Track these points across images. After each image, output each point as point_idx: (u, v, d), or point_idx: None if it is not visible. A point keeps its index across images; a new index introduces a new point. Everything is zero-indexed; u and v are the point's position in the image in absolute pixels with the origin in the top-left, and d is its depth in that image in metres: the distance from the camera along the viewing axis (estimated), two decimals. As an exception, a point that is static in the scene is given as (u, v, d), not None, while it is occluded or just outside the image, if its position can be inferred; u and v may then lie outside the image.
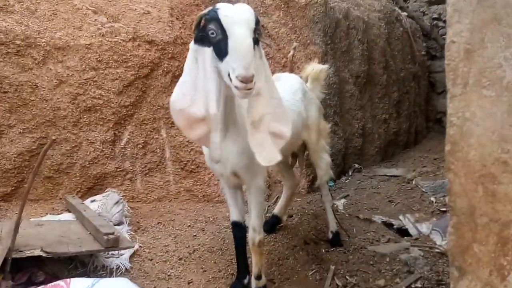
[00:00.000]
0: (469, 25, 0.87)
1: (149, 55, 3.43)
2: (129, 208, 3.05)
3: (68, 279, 1.71)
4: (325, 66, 2.84)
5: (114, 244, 2.11)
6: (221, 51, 1.61)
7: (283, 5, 3.95)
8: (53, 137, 2.03)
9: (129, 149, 3.41)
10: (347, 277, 2.47)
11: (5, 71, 3.07)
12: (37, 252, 1.90)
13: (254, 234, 2.13)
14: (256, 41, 1.68)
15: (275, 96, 1.86)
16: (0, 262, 1.73)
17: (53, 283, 1.72)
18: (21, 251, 1.88)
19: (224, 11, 1.61)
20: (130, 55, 3.36)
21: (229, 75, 1.59)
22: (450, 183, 0.96)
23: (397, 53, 5.38)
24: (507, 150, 0.85)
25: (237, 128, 1.91)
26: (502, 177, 0.87)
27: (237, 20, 1.60)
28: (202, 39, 1.69)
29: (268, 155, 1.78)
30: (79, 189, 3.25)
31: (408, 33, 5.67)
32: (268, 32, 3.94)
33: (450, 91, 0.93)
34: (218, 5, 1.65)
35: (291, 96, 2.44)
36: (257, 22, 1.67)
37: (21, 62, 3.13)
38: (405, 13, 5.89)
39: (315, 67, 2.81)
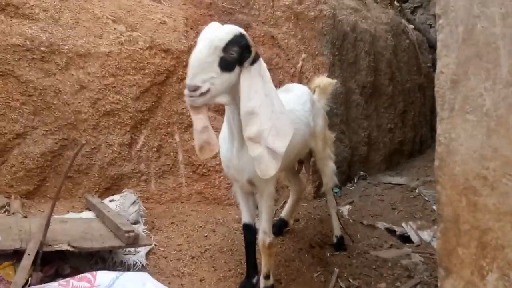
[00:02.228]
0: (455, 59, 1.02)
1: (165, 63, 3.60)
2: (144, 208, 3.21)
3: (94, 272, 1.85)
4: (334, 80, 2.98)
5: (134, 241, 2.26)
6: None
7: (293, 17, 4.11)
8: (84, 142, 2.19)
9: (144, 152, 3.57)
10: (350, 279, 2.60)
11: (30, 75, 3.25)
12: (65, 247, 2.06)
13: (264, 236, 2.27)
14: (253, 61, 1.84)
15: (276, 110, 1.92)
16: (33, 255, 1.89)
17: (80, 275, 1.86)
18: (50, 245, 2.04)
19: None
20: (147, 63, 3.54)
21: None
22: (438, 193, 1.11)
23: (403, 64, 5.50)
24: (487, 167, 1.00)
25: None
26: (482, 190, 1.01)
27: (202, 38, 1.78)
28: None
29: (265, 168, 1.90)
30: (97, 188, 3.41)
31: (414, 45, 5.80)
32: (278, 42, 4.10)
33: (439, 114, 1.08)
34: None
35: (301, 107, 2.58)
36: (234, 42, 1.76)
37: (45, 67, 3.30)
38: (412, 26, 6.02)
39: (323, 80, 2.93)
